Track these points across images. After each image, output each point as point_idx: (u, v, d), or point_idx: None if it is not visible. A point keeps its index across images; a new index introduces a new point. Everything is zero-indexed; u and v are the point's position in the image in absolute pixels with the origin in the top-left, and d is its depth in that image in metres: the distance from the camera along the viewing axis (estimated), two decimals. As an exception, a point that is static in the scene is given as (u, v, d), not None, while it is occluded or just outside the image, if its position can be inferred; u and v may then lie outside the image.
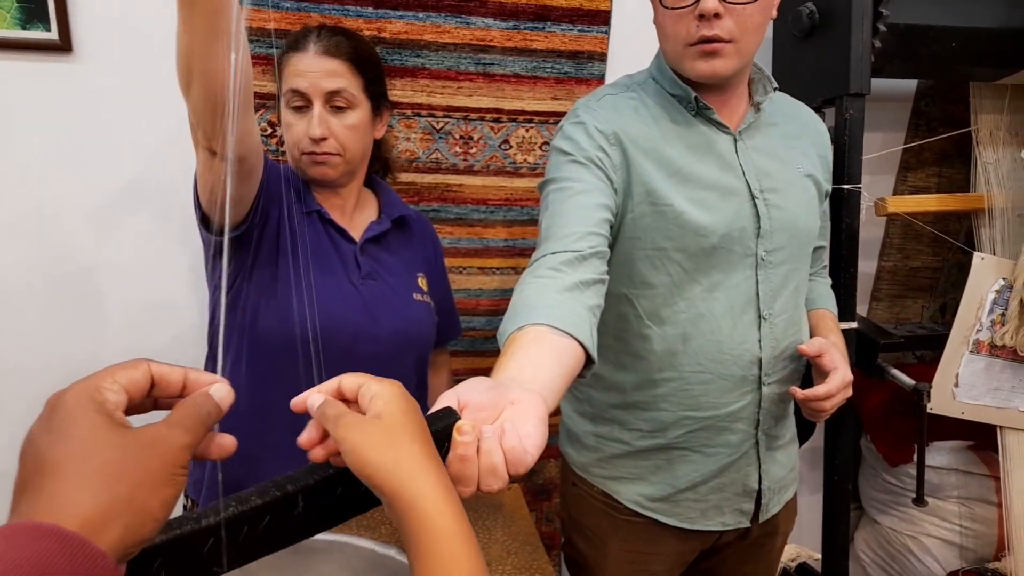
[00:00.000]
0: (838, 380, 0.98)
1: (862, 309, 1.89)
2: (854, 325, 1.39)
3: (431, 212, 1.52)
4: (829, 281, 1.24)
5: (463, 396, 0.54)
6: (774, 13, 0.96)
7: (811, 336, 1.09)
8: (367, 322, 1.04)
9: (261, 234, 0.99)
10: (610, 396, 1.08)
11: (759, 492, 1.08)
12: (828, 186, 1.12)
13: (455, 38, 1.43)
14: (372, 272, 1.08)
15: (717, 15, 0.89)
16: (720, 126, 1.00)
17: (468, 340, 1.60)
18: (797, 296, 1.06)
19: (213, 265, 1.03)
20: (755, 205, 0.99)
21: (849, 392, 1.01)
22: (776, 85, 1.04)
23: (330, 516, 0.50)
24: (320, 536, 0.86)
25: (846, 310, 1.32)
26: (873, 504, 1.90)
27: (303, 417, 1.06)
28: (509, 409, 0.54)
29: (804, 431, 1.53)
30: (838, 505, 1.46)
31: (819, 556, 1.54)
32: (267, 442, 1.01)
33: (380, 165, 1.22)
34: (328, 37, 1.02)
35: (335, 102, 1.02)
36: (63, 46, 1.28)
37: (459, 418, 0.52)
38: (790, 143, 1.06)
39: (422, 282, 1.16)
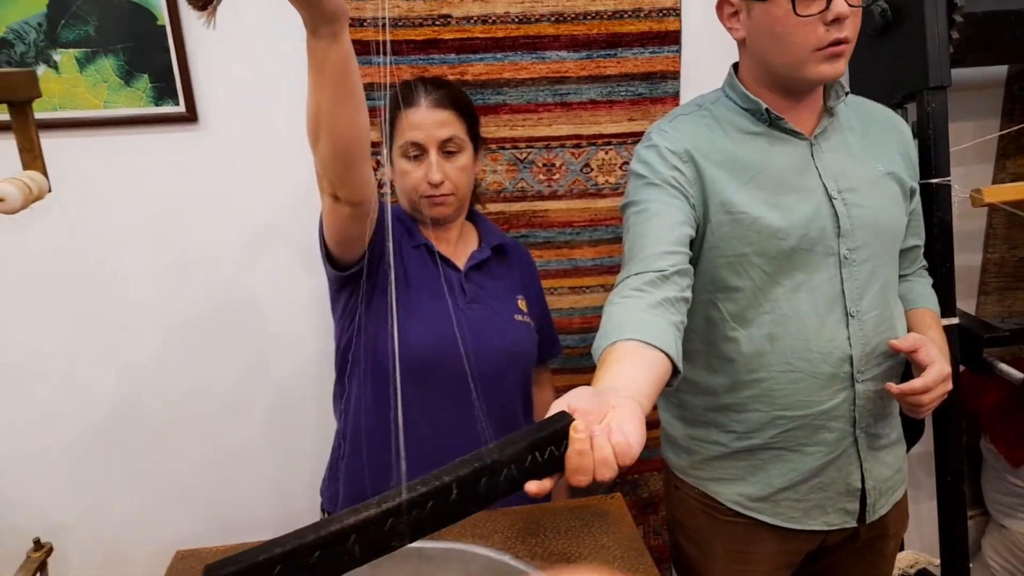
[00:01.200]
0: (935, 373, 0.97)
1: (970, 304, 1.82)
2: (955, 321, 1.36)
3: (520, 237, 1.60)
4: (929, 280, 1.22)
5: (572, 402, 0.64)
6: None
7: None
8: (474, 343, 1.10)
9: (377, 267, 1.09)
10: (703, 399, 1.11)
11: (864, 492, 1.08)
12: (914, 183, 1.11)
13: (532, 73, 1.52)
14: (476, 297, 1.17)
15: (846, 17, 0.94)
16: (794, 134, 1.03)
17: (563, 357, 1.65)
18: (886, 293, 1.06)
19: (337, 298, 1.14)
20: (833, 205, 1.01)
21: (948, 386, 1.00)
22: (847, 90, 1.06)
23: (477, 502, 0.59)
24: (437, 544, 0.94)
25: (945, 306, 1.29)
26: (998, 508, 1.81)
27: (424, 431, 1.14)
28: (612, 412, 0.63)
29: (913, 432, 1.50)
30: (953, 507, 1.41)
31: (939, 562, 1.49)
32: (393, 454, 1.11)
33: (472, 196, 1.32)
34: (434, 90, 1.11)
35: (447, 148, 1.11)
36: (190, 117, 1.45)
37: (573, 419, 0.61)
38: (868, 143, 1.07)
39: (522, 304, 1.23)
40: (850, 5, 0.93)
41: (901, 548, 1.62)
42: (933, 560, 1.53)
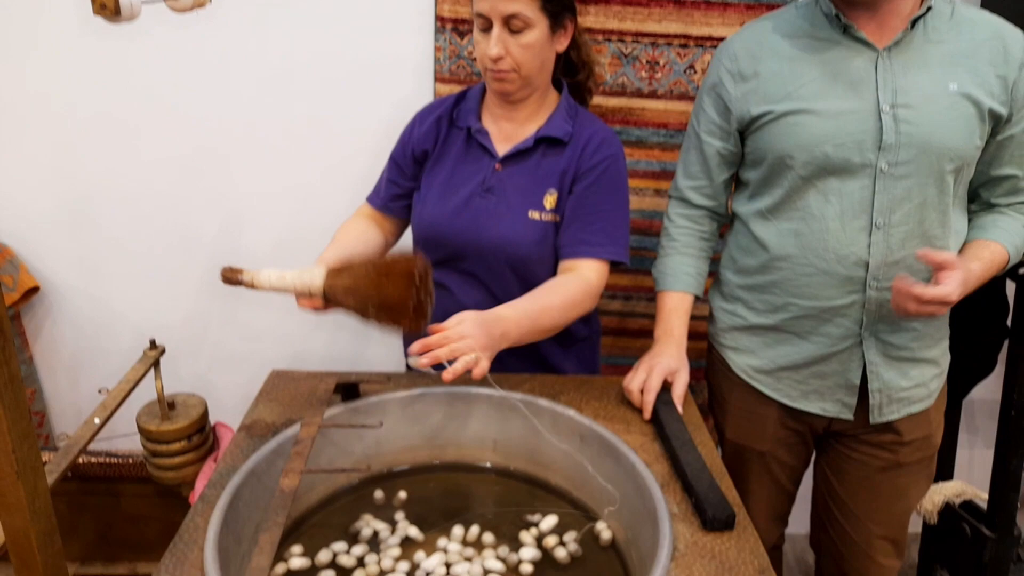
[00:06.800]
0: (933, 292, 0.99)
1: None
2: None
3: (615, 133, 1.62)
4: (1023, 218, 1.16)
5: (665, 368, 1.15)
6: None
7: None
8: (473, 231, 1.20)
9: (421, 168, 1.28)
10: (738, 277, 1.25)
11: (866, 391, 1.16)
12: (1003, 109, 1.05)
13: (648, -34, 1.50)
14: (494, 187, 1.20)
15: None
16: (865, 43, 1.06)
17: (638, 258, 1.70)
18: (924, 211, 1.07)
19: None
20: (881, 118, 1.04)
21: (940, 310, 1.01)
22: (931, 4, 1.04)
23: None
24: (509, 394, 1.03)
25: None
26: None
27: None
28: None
29: (983, 369, 1.51)
30: (1012, 440, 1.44)
31: (987, 496, 1.52)
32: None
33: (582, 80, 1.29)
34: None
35: (512, 24, 1.09)
36: None
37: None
38: (952, 61, 1.04)
39: (548, 200, 1.20)
40: None
41: (949, 477, 1.65)
42: (981, 494, 1.56)
